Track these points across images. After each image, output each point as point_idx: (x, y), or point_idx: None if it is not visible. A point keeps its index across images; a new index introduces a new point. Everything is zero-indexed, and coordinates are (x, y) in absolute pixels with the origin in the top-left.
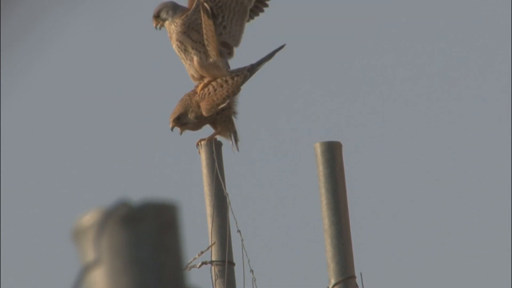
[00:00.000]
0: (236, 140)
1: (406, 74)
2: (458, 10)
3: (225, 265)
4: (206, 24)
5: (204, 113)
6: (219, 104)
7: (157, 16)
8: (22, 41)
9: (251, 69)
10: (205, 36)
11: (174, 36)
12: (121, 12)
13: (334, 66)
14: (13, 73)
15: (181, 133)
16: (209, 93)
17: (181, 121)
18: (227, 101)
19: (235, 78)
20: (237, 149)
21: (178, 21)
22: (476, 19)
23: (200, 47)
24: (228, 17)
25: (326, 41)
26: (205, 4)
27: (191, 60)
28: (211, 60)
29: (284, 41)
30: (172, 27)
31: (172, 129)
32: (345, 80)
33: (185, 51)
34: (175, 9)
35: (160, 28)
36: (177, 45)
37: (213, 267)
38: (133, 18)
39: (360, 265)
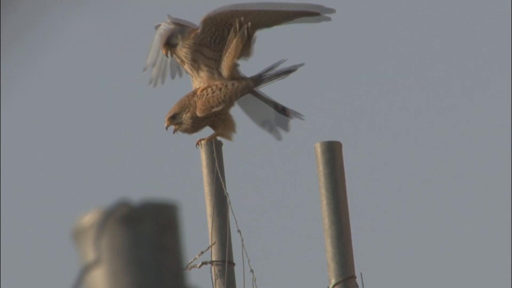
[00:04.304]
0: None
1: (406, 74)
2: (458, 10)
3: (225, 265)
4: (236, 45)
5: (197, 113)
6: (213, 107)
7: (167, 44)
8: (22, 41)
9: (256, 81)
10: (225, 52)
11: (188, 56)
12: (121, 12)
13: (334, 66)
14: (13, 73)
15: (174, 132)
16: (207, 94)
17: (176, 120)
18: (222, 106)
19: (235, 84)
20: (287, 130)
21: (189, 42)
22: (476, 19)
23: (212, 63)
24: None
25: (326, 40)
26: (245, 31)
27: (203, 77)
28: (220, 74)
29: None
30: (184, 50)
31: (167, 128)
32: (345, 80)
33: (198, 69)
34: (183, 32)
35: (171, 55)
36: (191, 64)
37: (213, 267)
38: (132, 18)
39: (360, 265)
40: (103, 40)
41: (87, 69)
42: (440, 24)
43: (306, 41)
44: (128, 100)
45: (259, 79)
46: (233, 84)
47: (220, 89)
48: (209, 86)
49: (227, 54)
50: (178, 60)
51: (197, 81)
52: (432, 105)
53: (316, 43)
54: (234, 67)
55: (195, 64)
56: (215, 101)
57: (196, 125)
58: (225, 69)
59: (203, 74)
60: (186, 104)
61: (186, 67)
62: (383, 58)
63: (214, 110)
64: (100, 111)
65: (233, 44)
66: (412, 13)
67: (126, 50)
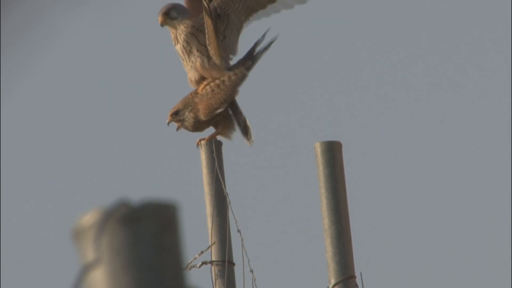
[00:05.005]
0: (246, 132)
1: (407, 74)
2: (458, 10)
3: (225, 265)
4: (207, 24)
5: (202, 117)
6: (216, 109)
7: (166, 14)
8: (22, 41)
9: (249, 67)
10: (206, 36)
11: (182, 36)
12: (122, 12)
13: (334, 66)
14: (14, 73)
15: (177, 129)
16: (207, 94)
17: (178, 117)
18: (225, 106)
19: (232, 78)
20: (250, 142)
21: (188, 22)
22: (476, 19)
23: (204, 50)
24: (229, 27)
25: (326, 40)
26: (204, 3)
27: (194, 62)
28: (212, 62)
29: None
30: (181, 27)
31: (168, 123)
32: (345, 79)
33: (190, 52)
34: (185, 10)
35: (163, 26)
36: (183, 45)
37: (213, 267)
38: (133, 18)
39: (360, 265)
40: (103, 40)
41: (87, 69)
42: (441, 24)
43: (306, 41)
44: (128, 100)
45: (249, 64)
46: (230, 78)
47: (219, 86)
48: (207, 83)
49: (207, 35)
50: (172, 35)
51: (188, 65)
52: (432, 105)
53: (316, 43)
54: (219, 49)
55: (188, 46)
56: (217, 102)
57: (198, 125)
58: (212, 52)
59: (194, 59)
60: (189, 102)
61: (178, 47)
62: (383, 58)
63: (218, 112)
64: (100, 111)
65: (206, 22)
66: (412, 13)
67: (126, 50)
